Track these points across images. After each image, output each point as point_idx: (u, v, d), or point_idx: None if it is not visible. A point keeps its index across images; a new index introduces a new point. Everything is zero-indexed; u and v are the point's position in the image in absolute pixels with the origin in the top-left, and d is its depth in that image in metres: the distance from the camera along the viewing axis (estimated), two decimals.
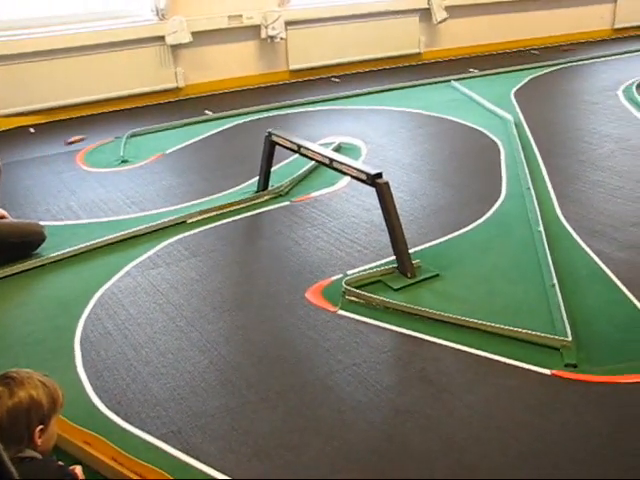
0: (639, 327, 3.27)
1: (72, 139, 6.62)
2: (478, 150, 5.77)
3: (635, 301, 3.46)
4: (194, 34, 7.87)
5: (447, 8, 9.45)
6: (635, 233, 4.21)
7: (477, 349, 3.12)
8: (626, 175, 5.17)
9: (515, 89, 7.73)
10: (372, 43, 9.13)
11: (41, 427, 2.07)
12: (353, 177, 4.00)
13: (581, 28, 11.12)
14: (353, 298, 3.56)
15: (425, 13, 9.49)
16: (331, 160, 4.13)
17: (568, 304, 3.40)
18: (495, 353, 3.09)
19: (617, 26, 11.47)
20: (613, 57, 9.61)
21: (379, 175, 3.70)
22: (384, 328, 3.32)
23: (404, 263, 3.70)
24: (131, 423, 2.75)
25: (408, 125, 6.62)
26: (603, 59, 9.49)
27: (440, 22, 9.44)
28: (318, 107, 7.37)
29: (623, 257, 3.91)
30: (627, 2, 11.38)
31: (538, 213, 4.39)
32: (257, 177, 4.99)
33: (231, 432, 2.68)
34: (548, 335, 3.15)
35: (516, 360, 3.04)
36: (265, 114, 7.16)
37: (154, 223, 4.51)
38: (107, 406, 2.86)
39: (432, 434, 2.63)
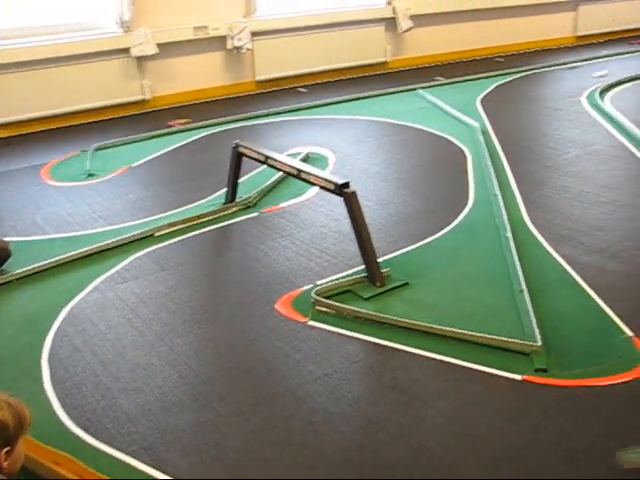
0: (607, 330, 3.30)
1: (176, 122, 6.73)
2: (445, 158, 5.81)
3: (603, 305, 3.50)
4: (160, 46, 7.83)
5: (412, 17, 9.53)
6: (601, 237, 4.26)
7: (447, 356, 3.13)
8: (591, 180, 5.24)
9: (481, 96, 7.80)
10: (339, 53, 9.16)
11: (7, 449, 2.02)
12: (321, 187, 4.00)
13: (545, 36, 11.27)
14: (323, 308, 3.55)
15: (390, 22, 9.55)
16: (299, 171, 4.13)
17: (537, 309, 3.42)
18: (465, 360, 3.10)
19: (580, 34, 11.64)
20: (576, 64, 9.74)
21: (346, 185, 3.70)
22: (354, 338, 3.32)
23: (373, 272, 3.71)
24: (101, 440, 2.71)
25: (375, 134, 6.65)
26: (566, 66, 9.63)
27: (405, 31, 9.51)
28: (285, 117, 7.37)
29: (590, 261, 3.95)
30: (588, 10, 11.56)
31: (506, 219, 4.42)
32: (225, 189, 4.97)
33: (202, 446, 2.66)
34: (518, 340, 3.17)
35: (486, 366, 3.05)
36: (232, 125, 7.14)
37: (122, 237, 4.47)
38: (76, 424, 2.82)
39: (404, 442, 2.63)
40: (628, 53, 10.57)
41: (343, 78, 9.14)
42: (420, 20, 9.67)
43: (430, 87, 8.31)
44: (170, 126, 7.14)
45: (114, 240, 4.42)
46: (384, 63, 9.68)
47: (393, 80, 8.88)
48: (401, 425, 2.72)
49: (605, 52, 10.65)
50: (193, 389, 3.00)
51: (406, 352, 3.18)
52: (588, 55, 10.29)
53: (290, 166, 4.25)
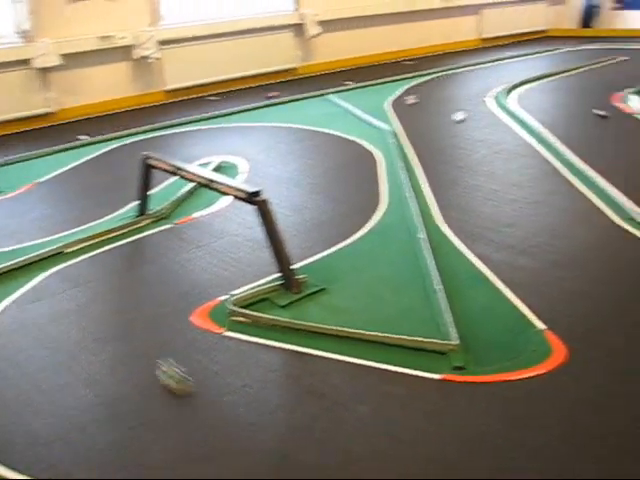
0: (521, 325, 3.37)
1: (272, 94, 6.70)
2: (357, 161, 5.84)
3: (516, 300, 3.57)
4: (64, 56, 7.64)
5: (320, 23, 9.60)
6: (511, 234, 4.35)
7: (366, 359, 3.13)
8: (500, 179, 5.36)
9: (391, 99, 7.89)
10: (248, 60, 9.14)
11: None
12: (233, 196, 3.96)
13: (451, 39, 11.53)
14: (240, 318, 3.51)
15: (299, 28, 9.59)
16: (210, 181, 4.07)
17: (452, 308, 3.46)
18: (384, 362, 3.10)
19: (484, 36, 11.96)
20: (481, 65, 9.99)
21: (257, 193, 3.67)
22: (272, 346, 3.28)
23: (289, 279, 3.68)
24: (15, 469, 2.59)
25: (287, 140, 6.65)
26: (472, 68, 9.86)
27: (313, 37, 9.55)
28: (197, 127, 7.29)
29: (502, 258, 4.03)
30: (491, 14, 11.89)
31: (419, 220, 4.47)
32: (136, 202, 4.86)
33: (121, 469, 2.57)
34: (435, 340, 3.19)
35: (405, 367, 3.06)
36: (142, 136, 7.02)
37: (30, 255, 4.31)
38: None
39: (327, 448, 2.61)
40: (531, 54, 10.93)
41: (254, 85, 9.11)
42: (328, 25, 9.76)
43: (340, 92, 8.38)
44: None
45: (22, 259, 4.27)
46: (294, 69, 9.71)
47: (303, 86, 8.92)
48: (323, 431, 2.70)
49: (509, 53, 10.98)
50: (109, 408, 2.91)
51: (324, 358, 3.17)
52: (493, 57, 10.58)
53: (201, 176, 4.19)
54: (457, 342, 3.15)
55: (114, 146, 6.75)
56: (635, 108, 7.50)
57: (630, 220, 4.52)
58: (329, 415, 2.79)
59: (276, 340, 3.32)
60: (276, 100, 8.11)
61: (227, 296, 3.71)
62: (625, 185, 5.11)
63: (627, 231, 4.38)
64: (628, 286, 3.75)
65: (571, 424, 2.69)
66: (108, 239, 4.56)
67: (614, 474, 2.44)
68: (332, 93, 8.26)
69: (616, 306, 3.55)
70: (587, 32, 13.05)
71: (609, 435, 2.63)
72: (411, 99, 5.90)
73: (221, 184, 3.99)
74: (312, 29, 9.49)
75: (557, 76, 9.35)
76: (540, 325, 3.34)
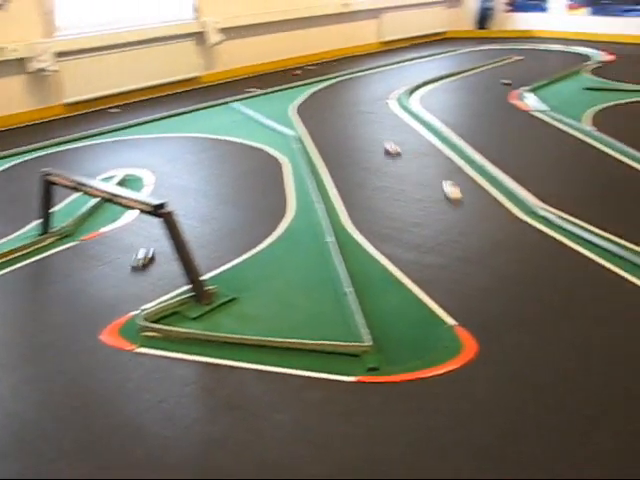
0: (432, 322, 3.43)
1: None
2: (263, 169, 5.83)
3: (425, 298, 3.63)
4: None
5: (222, 30, 9.54)
6: (418, 233, 4.43)
7: (281, 367, 3.12)
8: (406, 179, 5.45)
9: (295, 105, 7.92)
10: (149, 70, 8.99)
11: None
12: (138, 210, 3.88)
13: (352, 42, 11.66)
14: (151, 333, 3.44)
15: (200, 36, 9.50)
16: (113, 195, 3.98)
17: (364, 309, 3.49)
18: (299, 368, 3.10)
19: (384, 39, 12.15)
20: (383, 68, 10.15)
21: (162, 205, 3.61)
22: (187, 360, 3.23)
23: (199, 291, 3.64)
24: None
25: (192, 150, 6.57)
26: (374, 70, 10.00)
27: (215, 44, 9.49)
28: (99, 140, 7.12)
29: (410, 257, 4.09)
30: (390, 18, 12.09)
31: (327, 224, 4.50)
32: (38, 220, 4.71)
33: None
34: (348, 343, 3.21)
35: (320, 372, 3.07)
36: (43, 152, 6.79)
37: None
38: None
39: (246, 459, 2.58)
40: (430, 56, 11.17)
41: (156, 96, 8.97)
42: (230, 33, 9.70)
43: (244, 99, 8.34)
44: None
45: None
46: (196, 78, 9.61)
47: (207, 95, 8.84)
48: (241, 442, 2.67)
49: (410, 55, 11.18)
50: (16, 435, 2.79)
51: (239, 368, 3.14)
52: (394, 59, 10.76)
53: (104, 191, 4.10)
54: (370, 343, 3.18)
55: (13, 163, 6.51)
56: (531, 105, 7.76)
57: (532, 214, 4.67)
58: (246, 426, 2.77)
59: (190, 353, 3.27)
60: (180, 110, 8.01)
61: (137, 311, 3.63)
62: (525, 180, 5.28)
63: (529, 224, 4.52)
64: (532, 278, 3.87)
65: (484, 419, 2.75)
66: (9, 260, 4.39)
67: (532, 468, 2.50)
68: (236, 101, 8.22)
69: (521, 298, 3.66)
70: (483, 33, 13.44)
71: (522, 429, 2.70)
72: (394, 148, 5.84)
73: (125, 198, 3.91)
74: (213, 37, 9.42)
75: (457, 76, 9.59)
76: (450, 321, 3.41)
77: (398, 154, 5.80)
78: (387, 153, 5.90)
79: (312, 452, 2.60)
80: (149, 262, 4.16)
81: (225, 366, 3.17)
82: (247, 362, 3.17)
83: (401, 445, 2.62)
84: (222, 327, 3.46)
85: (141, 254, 4.20)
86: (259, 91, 8.71)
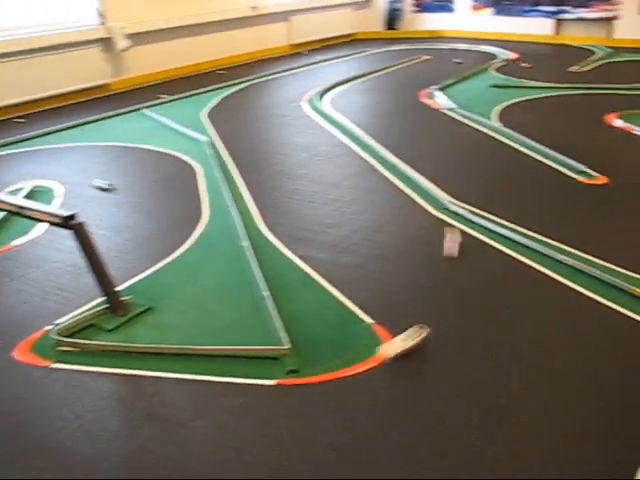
0: (350, 321, 3.46)
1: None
2: (177, 175, 5.76)
3: (342, 298, 3.67)
4: None
5: (130, 36, 9.37)
6: (334, 233, 4.47)
7: (200, 374, 3.10)
8: (319, 180, 5.49)
9: (207, 110, 7.86)
10: (55, 78, 8.75)
11: None
12: (47, 222, 3.78)
13: (263, 46, 11.66)
14: (66, 347, 3.36)
15: (107, 42, 9.32)
16: (20, 208, 3.85)
17: (282, 312, 3.50)
18: (219, 375, 3.09)
19: (294, 42, 12.19)
20: (294, 71, 10.18)
21: (72, 217, 3.52)
22: (103, 373, 3.17)
23: (114, 302, 3.57)
24: None
25: (103, 159, 6.43)
26: (285, 73, 10.02)
27: (123, 50, 9.33)
28: (5, 151, 6.89)
29: (326, 258, 4.12)
30: (299, 20, 12.14)
31: (242, 229, 4.48)
32: None
33: None
34: (266, 347, 3.21)
35: (240, 377, 3.07)
36: None
37: None
38: None
39: (168, 470, 2.55)
40: (341, 57, 11.27)
41: (63, 104, 8.75)
42: (138, 38, 9.55)
43: (155, 105, 8.22)
44: None
45: None
46: (105, 85, 9.42)
47: (117, 102, 8.67)
48: (163, 453, 2.64)
49: (319, 57, 11.25)
50: None
51: (158, 378, 3.10)
52: (305, 62, 10.81)
53: (10, 204, 3.96)
54: (288, 346, 3.19)
55: None
56: (441, 103, 7.92)
57: (444, 210, 4.77)
58: (168, 436, 2.73)
59: (107, 366, 3.20)
60: (89, 118, 7.83)
61: (51, 326, 3.54)
62: (437, 177, 5.39)
63: (442, 220, 4.61)
64: (446, 273, 3.96)
65: (404, 416, 2.79)
66: None
67: (452, 464, 2.56)
68: (147, 107, 8.09)
69: (436, 293, 3.74)
70: (392, 34, 13.65)
71: (442, 423, 2.75)
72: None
73: (33, 210, 3.78)
74: (121, 43, 9.25)
75: (367, 77, 9.70)
76: (368, 320, 3.45)
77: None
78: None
79: (235, 458, 2.59)
80: None
81: (144, 377, 3.12)
82: (166, 372, 3.13)
83: (322, 445, 2.63)
84: (139, 337, 3.40)
85: None
86: (171, 97, 8.60)
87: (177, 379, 3.08)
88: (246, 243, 4.27)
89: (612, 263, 3.93)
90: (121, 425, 2.87)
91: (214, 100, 8.36)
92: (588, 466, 2.48)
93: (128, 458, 2.64)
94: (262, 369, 3.11)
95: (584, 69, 9.84)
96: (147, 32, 9.73)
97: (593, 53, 11.00)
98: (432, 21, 13.65)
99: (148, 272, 4.08)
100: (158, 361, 3.21)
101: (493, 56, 11.02)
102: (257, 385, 3.01)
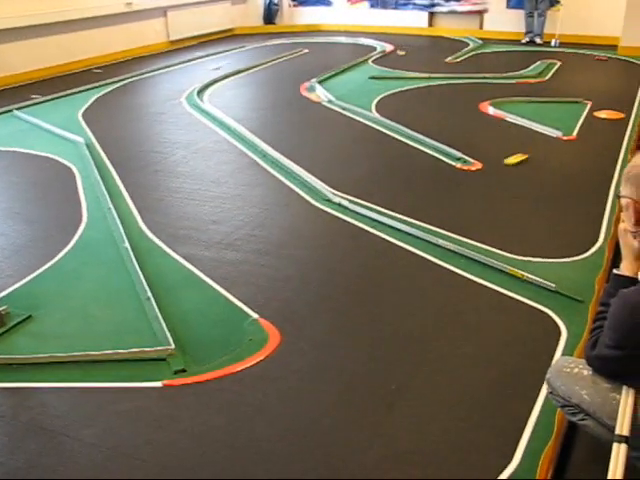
0: (235, 318, 3.46)
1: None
2: (53, 178, 5.55)
3: (227, 294, 3.66)
4: None
5: None
6: (216, 230, 4.44)
7: (85, 382, 3.02)
8: (200, 177, 5.44)
9: (83, 110, 7.63)
10: None
11: None
12: None
13: (140, 43, 11.41)
14: None
15: None
16: None
17: (166, 313, 3.46)
18: (105, 381, 3.02)
19: (172, 38, 12.00)
20: (172, 67, 10.04)
21: None
22: None
23: None
24: None
25: None
26: (163, 70, 9.86)
27: None
28: None
29: (209, 255, 4.10)
30: (177, 16, 11.96)
31: (122, 230, 4.39)
32: None
33: None
34: (151, 348, 3.17)
35: (127, 381, 3.01)
36: None
37: None
38: None
39: None
40: (220, 53, 11.19)
41: None
42: (5, 36, 9.09)
43: (27, 106, 7.89)
44: None
45: None
46: None
47: None
48: (50, 466, 2.55)
49: (199, 53, 11.13)
50: None
51: (41, 389, 3.00)
52: (183, 58, 10.67)
53: None
54: (173, 346, 3.16)
55: None
56: (321, 96, 8.00)
57: (327, 201, 4.82)
58: (54, 448, 2.65)
59: None
60: None
61: None
62: (319, 169, 5.45)
63: (326, 212, 4.67)
64: (329, 263, 4.01)
65: (293, 406, 2.82)
66: None
67: (341, 455, 2.60)
68: (18, 109, 7.75)
69: (320, 284, 3.78)
70: (271, 28, 13.65)
71: (327, 411, 2.79)
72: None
73: None
74: None
75: (247, 72, 9.67)
76: (254, 315, 3.45)
77: None
78: None
79: (125, 464, 2.54)
80: None
81: (25, 389, 3.02)
82: (49, 382, 3.03)
83: (215, 443, 2.62)
84: (18, 348, 3.27)
85: None
86: (44, 97, 8.28)
87: (61, 388, 3.00)
88: (127, 245, 4.18)
89: (491, 245, 4.09)
90: (2, 441, 2.76)
91: (90, 100, 8.12)
92: (474, 437, 2.58)
93: (9, 475, 2.54)
94: (149, 371, 3.07)
95: (458, 60, 10.16)
96: (11, 29, 9.24)
97: (467, 45, 11.38)
98: (310, 15, 13.76)
99: (26, 280, 3.92)
100: (40, 371, 3.10)
101: (371, 48, 11.20)
102: (144, 388, 2.97)
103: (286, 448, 2.58)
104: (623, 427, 1.97)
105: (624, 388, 2.06)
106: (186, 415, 2.79)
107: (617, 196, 2.11)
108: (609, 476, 1.86)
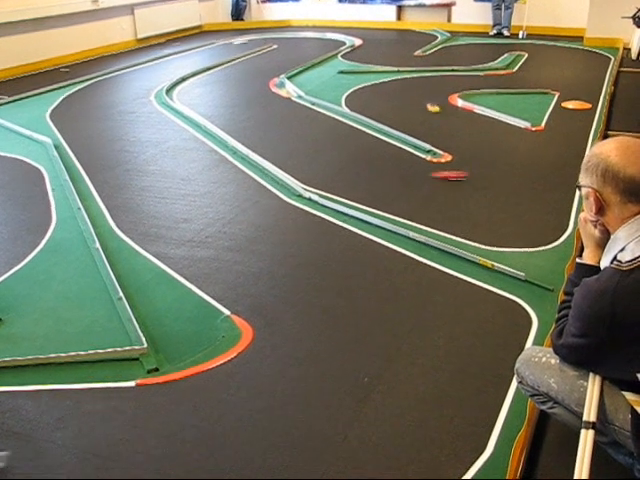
0: (207, 315, 3.46)
1: None
2: (21, 180, 5.49)
3: (199, 292, 3.66)
4: None
5: None
6: (187, 228, 4.43)
7: (57, 384, 2.99)
8: (170, 175, 5.41)
9: (50, 110, 7.56)
10: None
11: None
12: None
13: (107, 41, 11.31)
14: None
15: None
16: None
17: (138, 312, 3.46)
18: (77, 382, 3.00)
19: (140, 36, 11.92)
20: (140, 66, 9.97)
21: None
22: None
23: None
24: None
25: None
26: (132, 69, 9.79)
27: None
28: None
29: (181, 253, 4.09)
30: (144, 13, 11.89)
31: (92, 231, 4.36)
32: None
33: None
34: (123, 348, 3.16)
35: (100, 382, 3.00)
36: None
37: None
38: None
39: None
40: (188, 50, 11.14)
41: None
42: None
43: None
44: None
45: None
46: None
47: None
48: (21, 471, 2.52)
49: (167, 51, 11.07)
50: None
51: (12, 392, 2.96)
52: (152, 56, 10.60)
53: None
54: (145, 345, 3.14)
55: None
56: (290, 92, 7.99)
57: (298, 197, 4.83)
58: (27, 452, 2.62)
59: None
60: None
61: None
62: (289, 164, 5.46)
63: (297, 207, 4.68)
64: (300, 258, 4.02)
65: (268, 402, 2.82)
66: None
67: (318, 447, 2.60)
68: None
69: (291, 279, 3.79)
70: (239, 25, 13.60)
71: (309, 406, 2.80)
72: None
73: None
74: None
75: (216, 69, 9.63)
76: (226, 311, 3.45)
77: None
78: None
79: (99, 465, 2.53)
80: None
81: None
82: (20, 385, 3.01)
83: (190, 442, 2.62)
84: None
85: None
86: (10, 97, 8.18)
87: (32, 391, 2.97)
88: (97, 245, 4.15)
89: (461, 236, 4.12)
90: None
91: (58, 99, 8.04)
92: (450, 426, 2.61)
93: None
94: (122, 371, 3.05)
95: (427, 53, 10.20)
96: None
97: (436, 37, 11.43)
98: (279, 10, 13.73)
99: None
100: (10, 375, 3.07)
101: (340, 43, 11.21)
102: (117, 388, 2.96)
103: (260, 444, 2.59)
104: (590, 413, 1.99)
105: (590, 375, 2.09)
106: (159, 414, 2.78)
107: (576, 186, 2.12)
108: (577, 461, 1.89)
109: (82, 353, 3.14)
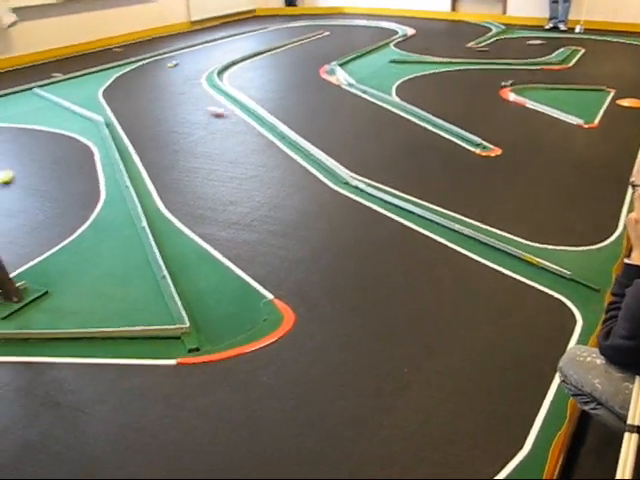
0: (250, 298, 3.47)
1: None
2: (72, 157, 5.59)
3: (242, 274, 3.68)
4: None
5: (16, 10, 8.87)
6: (233, 211, 4.45)
7: (100, 358, 3.05)
8: (218, 158, 5.44)
9: (103, 89, 7.66)
10: None
11: None
12: None
13: (161, 22, 11.40)
14: None
15: None
16: None
17: (182, 291, 3.48)
18: (118, 357, 3.05)
19: (194, 19, 11.98)
20: (192, 48, 10.03)
21: None
22: None
23: (6, 288, 3.45)
24: None
25: None
26: (183, 50, 9.86)
27: (10, 26, 8.83)
28: None
29: (226, 235, 4.11)
30: None
31: (140, 209, 4.41)
32: None
33: None
34: (166, 326, 3.19)
35: (140, 359, 3.04)
36: None
37: None
38: None
39: (69, 458, 2.49)
40: (241, 34, 11.16)
41: None
42: (26, 13, 9.10)
43: (48, 85, 7.93)
44: None
45: None
46: None
47: (5, 81, 8.29)
48: (64, 441, 2.58)
49: (220, 34, 11.11)
50: None
51: (56, 364, 3.03)
52: (204, 39, 10.65)
53: None
54: (188, 325, 3.17)
55: None
56: (341, 79, 7.96)
57: (345, 185, 4.81)
58: (67, 423, 2.68)
59: (1, 354, 3.10)
60: None
61: None
62: (337, 152, 5.44)
63: (343, 195, 4.66)
64: (345, 246, 4.01)
65: (307, 387, 2.83)
66: None
67: (354, 435, 2.60)
68: (39, 87, 7.80)
69: (335, 266, 3.78)
70: (292, 10, 13.59)
71: (345, 394, 2.80)
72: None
73: None
74: (6, 17, 8.76)
75: (267, 54, 9.65)
76: (269, 295, 3.46)
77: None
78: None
79: (137, 441, 2.56)
80: None
81: (40, 363, 3.04)
82: (63, 357, 3.06)
83: (225, 423, 2.64)
84: (35, 323, 3.31)
85: None
86: (65, 76, 8.31)
87: (75, 364, 3.02)
88: (144, 224, 4.19)
89: (508, 232, 4.07)
90: (17, 414, 2.79)
91: (111, 79, 8.14)
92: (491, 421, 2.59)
93: (26, 448, 2.57)
94: (163, 349, 3.09)
95: (480, 45, 10.07)
96: (35, 6, 9.28)
97: (490, 30, 11.27)
98: None
99: (44, 256, 3.96)
100: (55, 347, 3.13)
101: (393, 32, 11.13)
102: (157, 366, 2.99)
103: (296, 429, 2.60)
104: (635, 417, 1.96)
105: (637, 378, 2.05)
106: (198, 393, 2.81)
107: (631, 185, 2.06)
108: (619, 465, 1.85)
109: (125, 329, 3.19)
